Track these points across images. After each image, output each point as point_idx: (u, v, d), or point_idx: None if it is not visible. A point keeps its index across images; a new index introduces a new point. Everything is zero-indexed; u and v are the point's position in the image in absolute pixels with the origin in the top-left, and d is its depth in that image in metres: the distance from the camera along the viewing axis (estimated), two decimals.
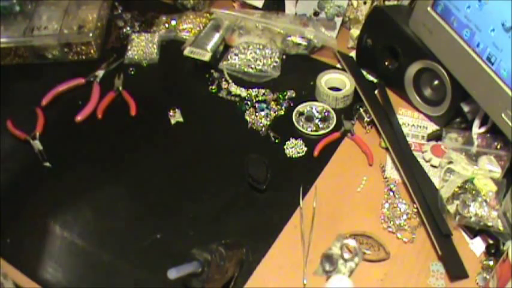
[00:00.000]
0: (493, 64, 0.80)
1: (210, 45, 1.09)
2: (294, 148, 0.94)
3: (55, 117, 0.99)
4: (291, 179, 0.89)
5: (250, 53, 1.09)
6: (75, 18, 1.13)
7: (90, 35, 1.09)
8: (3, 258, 0.80)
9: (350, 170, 0.91)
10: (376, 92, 1.03)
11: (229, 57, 1.09)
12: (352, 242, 0.76)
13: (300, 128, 0.97)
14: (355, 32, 1.09)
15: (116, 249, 0.81)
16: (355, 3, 1.11)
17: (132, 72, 1.09)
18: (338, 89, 1.02)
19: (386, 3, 1.09)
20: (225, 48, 1.13)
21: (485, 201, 0.80)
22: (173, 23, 1.18)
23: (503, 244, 0.78)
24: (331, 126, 0.98)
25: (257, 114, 1.00)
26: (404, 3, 1.08)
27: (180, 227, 0.83)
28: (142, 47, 1.13)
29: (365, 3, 1.11)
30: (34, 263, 0.79)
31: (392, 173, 0.91)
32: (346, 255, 0.76)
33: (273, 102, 1.02)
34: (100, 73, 1.08)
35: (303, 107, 1.01)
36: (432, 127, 0.98)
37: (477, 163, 0.87)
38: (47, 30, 1.10)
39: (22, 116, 0.99)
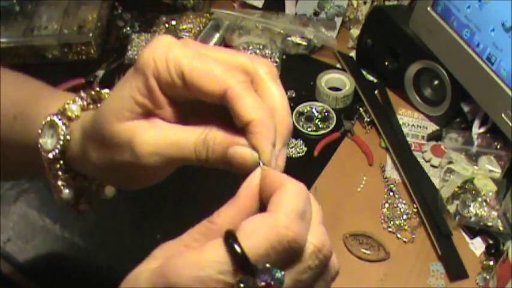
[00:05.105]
0: (493, 64, 0.80)
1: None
2: (294, 148, 0.94)
3: None
4: None
5: (250, 53, 1.09)
6: (75, 18, 1.13)
7: (90, 35, 1.09)
8: (3, 258, 0.80)
9: (350, 170, 0.91)
10: (376, 92, 1.03)
11: None
12: None
13: (300, 128, 0.97)
14: (355, 32, 1.09)
15: (116, 249, 0.81)
16: (355, 3, 1.11)
17: None
18: (338, 89, 1.02)
19: (386, 3, 1.09)
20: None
21: (485, 201, 0.80)
22: (173, 23, 1.18)
23: (503, 244, 0.78)
24: (331, 126, 0.98)
25: None
26: (404, 3, 1.08)
27: (180, 227, 0.82)
28: (143, 47, 1.12)
29: (365, 3, 1.11)
30: (34, 263, 0.79)
31: (392, 173, 0.90)
32: None
33: None
34: (100, 73, 1.07)
35: (303, 107, 1.01)
36: (432, 127, 0.98)
37: (477, 163, 0.87)
38: (47, 30, 1.10)
39: None
